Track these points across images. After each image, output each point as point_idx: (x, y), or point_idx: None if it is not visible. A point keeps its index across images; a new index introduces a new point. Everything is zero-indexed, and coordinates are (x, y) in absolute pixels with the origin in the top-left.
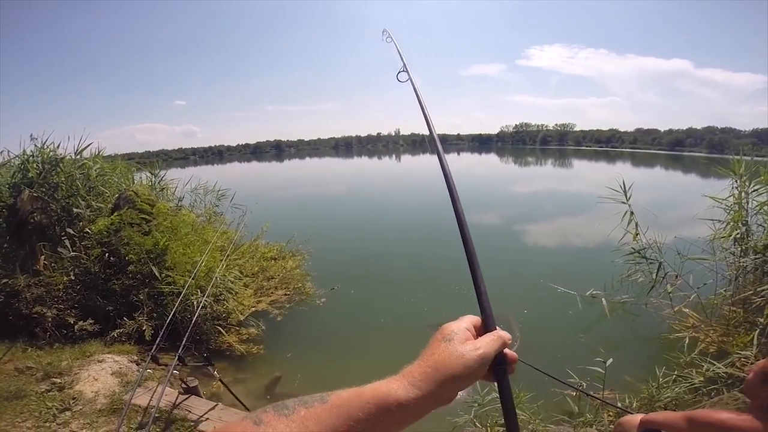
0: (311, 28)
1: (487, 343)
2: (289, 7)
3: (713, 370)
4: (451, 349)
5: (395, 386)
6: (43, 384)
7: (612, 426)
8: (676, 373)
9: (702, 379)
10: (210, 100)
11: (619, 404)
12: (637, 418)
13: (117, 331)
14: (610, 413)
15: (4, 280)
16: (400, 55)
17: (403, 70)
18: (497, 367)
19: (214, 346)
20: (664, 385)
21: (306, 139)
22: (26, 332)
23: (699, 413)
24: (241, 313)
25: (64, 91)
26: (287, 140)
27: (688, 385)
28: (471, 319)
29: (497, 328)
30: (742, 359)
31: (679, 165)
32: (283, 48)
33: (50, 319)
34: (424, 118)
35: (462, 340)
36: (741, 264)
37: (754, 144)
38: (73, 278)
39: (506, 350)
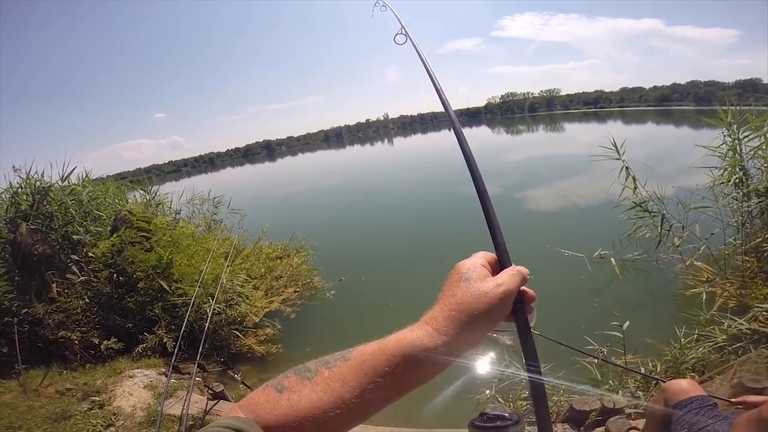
0: (283, 23)
1: (508, 279)
2: (255, 3)
3: (736, 327)
4: (472, 289)
5: (420, 334)
6: (85, 403)
7: (640, 391)
8: (697, 332)
9: (725, 337)
10: (189, 109)
11: (642, 369)
12: (683, 383)
13: (141, 346)
14: (636, 379)
15: (25, 310)
16: (397, 18)
17: (401, 33)
18: (516, 305)
19: (235, 351)
20: (687, 346)
21: (295, 136)
22: (57, 356)
23: None
24: (256, 315)
25: (37, 120)
26: (276, 139)
27: (712, 344)
28: (485, 255)
29: (512, 264)
30: (764, 313)
31: (670, 119)
32: (255, 47)
33: (77, 342)
34: (427, 74)
35: (481, 278)
36: (745, 209)
37: (739, 95)
38: (87, 301)
39: (524, 288)
